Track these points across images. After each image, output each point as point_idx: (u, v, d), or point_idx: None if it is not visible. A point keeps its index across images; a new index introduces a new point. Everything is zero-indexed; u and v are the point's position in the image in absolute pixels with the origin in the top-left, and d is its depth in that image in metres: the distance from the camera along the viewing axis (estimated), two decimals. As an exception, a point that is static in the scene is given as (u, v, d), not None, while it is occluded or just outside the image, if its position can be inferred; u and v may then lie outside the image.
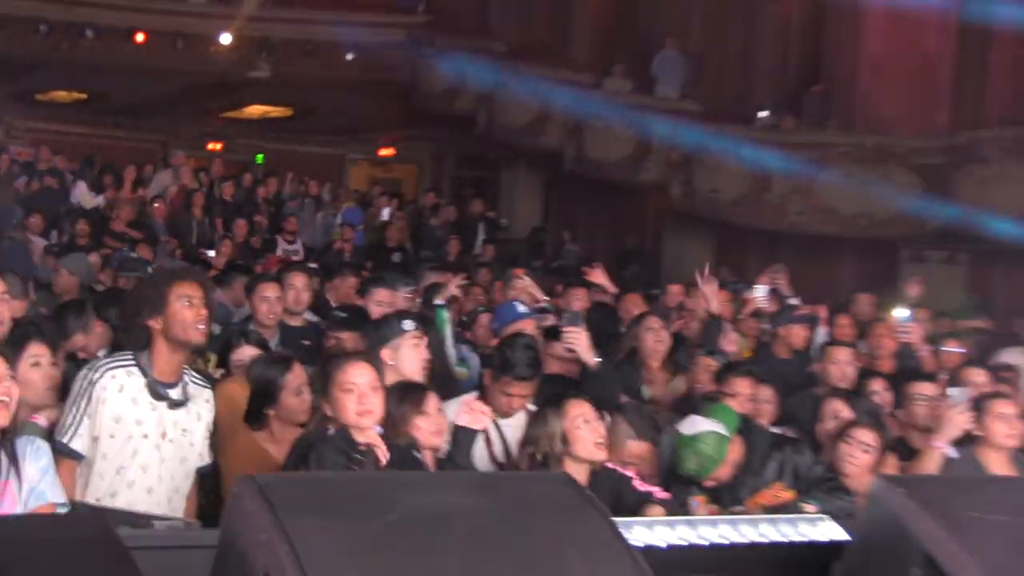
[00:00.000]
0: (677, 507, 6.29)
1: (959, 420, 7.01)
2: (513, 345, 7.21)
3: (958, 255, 18.86)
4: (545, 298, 10.76)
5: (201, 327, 5.63)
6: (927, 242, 19.00)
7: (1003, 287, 17.70)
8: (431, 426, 6.09)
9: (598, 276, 11.89)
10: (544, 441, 5.98)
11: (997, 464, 7.09)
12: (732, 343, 9.66)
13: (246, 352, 7.46)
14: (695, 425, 6.75)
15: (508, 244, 22.71)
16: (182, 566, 3.57)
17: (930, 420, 7.55)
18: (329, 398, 5.46)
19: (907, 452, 7.51)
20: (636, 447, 6.53)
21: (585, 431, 5.98)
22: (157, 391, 5.54)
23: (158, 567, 3.53)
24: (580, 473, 5.79)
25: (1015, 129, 19.42)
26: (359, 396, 5.38)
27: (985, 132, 19.80)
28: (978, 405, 7.26)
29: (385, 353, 6.52)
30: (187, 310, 5.55)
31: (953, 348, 11.19)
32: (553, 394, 6.53)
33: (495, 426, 6.82)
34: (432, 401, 6.19)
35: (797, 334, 10.72)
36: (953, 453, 7.04)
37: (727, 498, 6.65)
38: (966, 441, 7.16)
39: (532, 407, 6.93)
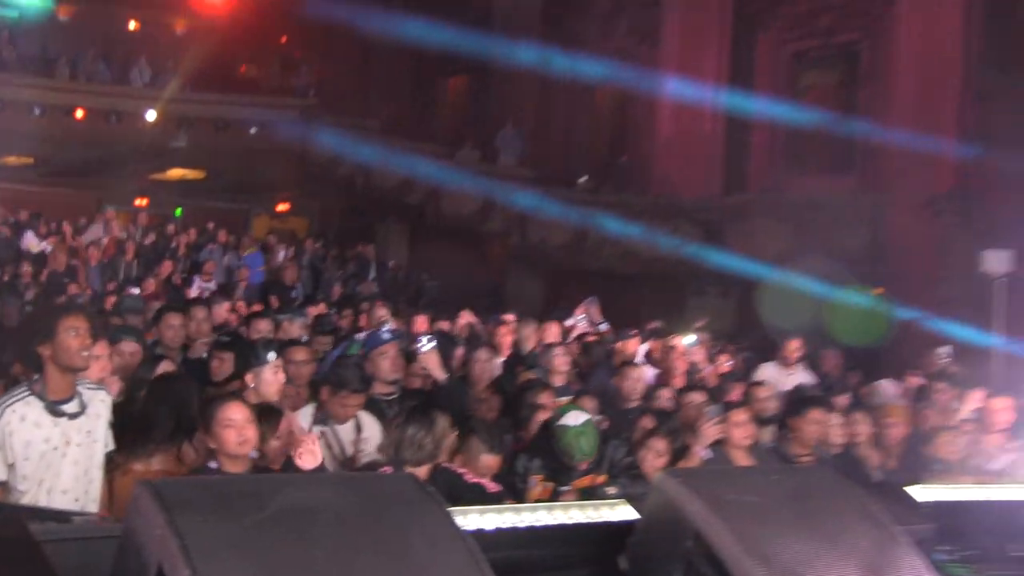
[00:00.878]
0: (510, 494, 6.29)
1: (710, 432, 7.16)
2: (345, 365, 7.18)
3: (730, 290, 19.17)
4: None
5: (85, 354, 5.34)
6: (707, 280, 19.30)
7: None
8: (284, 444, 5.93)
9: (467, 315, 11.99)
10: (412, 448, 5.85)
11: (740, 457, 7.29)
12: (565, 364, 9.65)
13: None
14: (578, 418, 6.71)
15: (380, 283, 22.52)
16: (95, 555, 3.47)
17: (696, 422, 7.61)
18: (211, 433, 5.37)
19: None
20: (489, 460, 6.35)
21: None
22: (55, 410, 5.26)
23: (73, 557, 3.44)
24: (422, 470, 5.77)
25: (770, 194, 19.96)
26: (238, 430, 5.32)
27: (748, 196, 20.37)
28: (724, 414, 7.47)
29: (248, 377, 6.44)
30: (73, 339, 5.24)
31: (723, 362, 11.42)
32: (420, 408, 6.47)
33: (333, 431, 6.79)
34: (285, 423, 6.07)
35: (631, 346, 10.83)
36: (709, 454, 7.20)
37: (562, 479, 6.64)
38: (718, 442, 7.31)
39: (363, 413, 6.94)
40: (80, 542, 3.70)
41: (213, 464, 5.35)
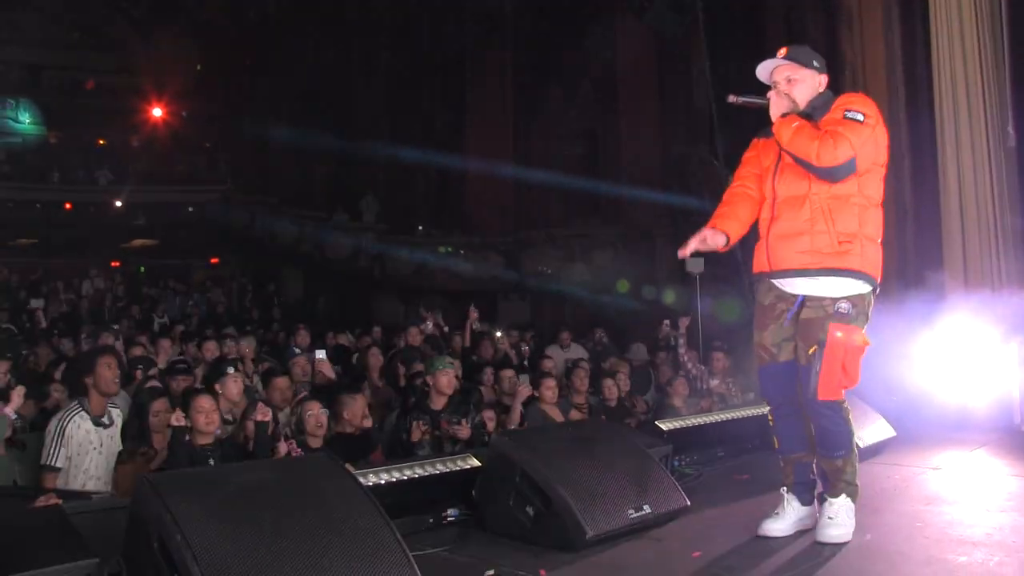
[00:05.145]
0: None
1: (523, 391, 6.96)
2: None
3: (525, 296, 19.34)
4: None
5: (116, 382, 5.26)
6: (509, 291, 19.45)
7: (550, 314, 18.15)
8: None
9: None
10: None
11: (551, 411, 7.07)
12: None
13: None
14: None
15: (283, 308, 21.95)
16: (110, 522, 3.31)
17: (511, 390, 7.53)
18: (188, 416, 5.19)
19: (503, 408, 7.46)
20: (359, 400, 6.08)
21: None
22: (96, 422, 5.13)
23: (95, 523, 3.32)
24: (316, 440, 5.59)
25: (545, 231, 20.08)
26: (206, 414, 5.16)
27: (532, 232, 20.41)
28: (535, 381, 7.32)
29: (217, 386, 6.23)
30: (107, 371, 5.16)
31: (524, 345, 11.36)
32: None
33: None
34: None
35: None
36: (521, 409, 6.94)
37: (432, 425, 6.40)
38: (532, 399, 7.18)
39: None
40: (97, 513, 3.57)
41: (187, 437, 5.16)
